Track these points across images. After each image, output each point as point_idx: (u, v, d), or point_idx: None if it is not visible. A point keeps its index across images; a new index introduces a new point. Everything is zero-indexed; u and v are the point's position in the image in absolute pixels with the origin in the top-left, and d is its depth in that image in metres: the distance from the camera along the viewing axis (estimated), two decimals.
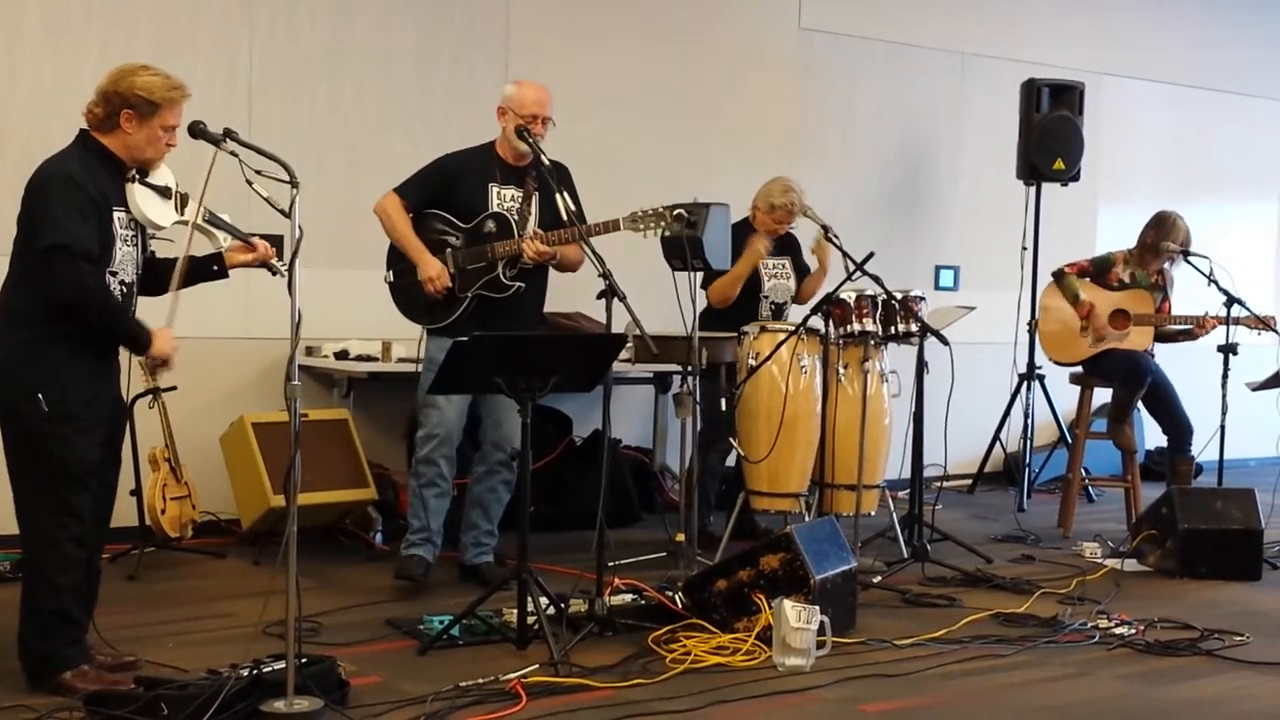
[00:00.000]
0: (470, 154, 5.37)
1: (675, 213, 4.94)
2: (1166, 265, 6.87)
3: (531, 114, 5.18)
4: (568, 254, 5.25)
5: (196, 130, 3.85)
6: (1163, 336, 6.94)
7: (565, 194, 5.02)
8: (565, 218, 5.00)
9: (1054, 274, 7.01)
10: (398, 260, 5.34)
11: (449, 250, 5.27)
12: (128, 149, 3.90)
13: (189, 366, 5.90)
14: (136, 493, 5.53)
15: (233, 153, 3.78)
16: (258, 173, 3.71)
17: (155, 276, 4.09)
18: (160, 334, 3.98)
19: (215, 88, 6.10)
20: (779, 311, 6.35)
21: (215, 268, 4.13)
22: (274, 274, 4.20)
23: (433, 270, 5.21)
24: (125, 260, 3.93)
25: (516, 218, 5.27)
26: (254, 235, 4.20)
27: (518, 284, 5.27)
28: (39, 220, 3.80)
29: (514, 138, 5.20)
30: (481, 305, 5.26)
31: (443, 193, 5.30)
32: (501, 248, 5.21)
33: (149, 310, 4.06)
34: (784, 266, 6.40)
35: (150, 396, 5.53)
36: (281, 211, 3.68)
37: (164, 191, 4.00)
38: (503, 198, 5.29)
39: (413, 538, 5.32)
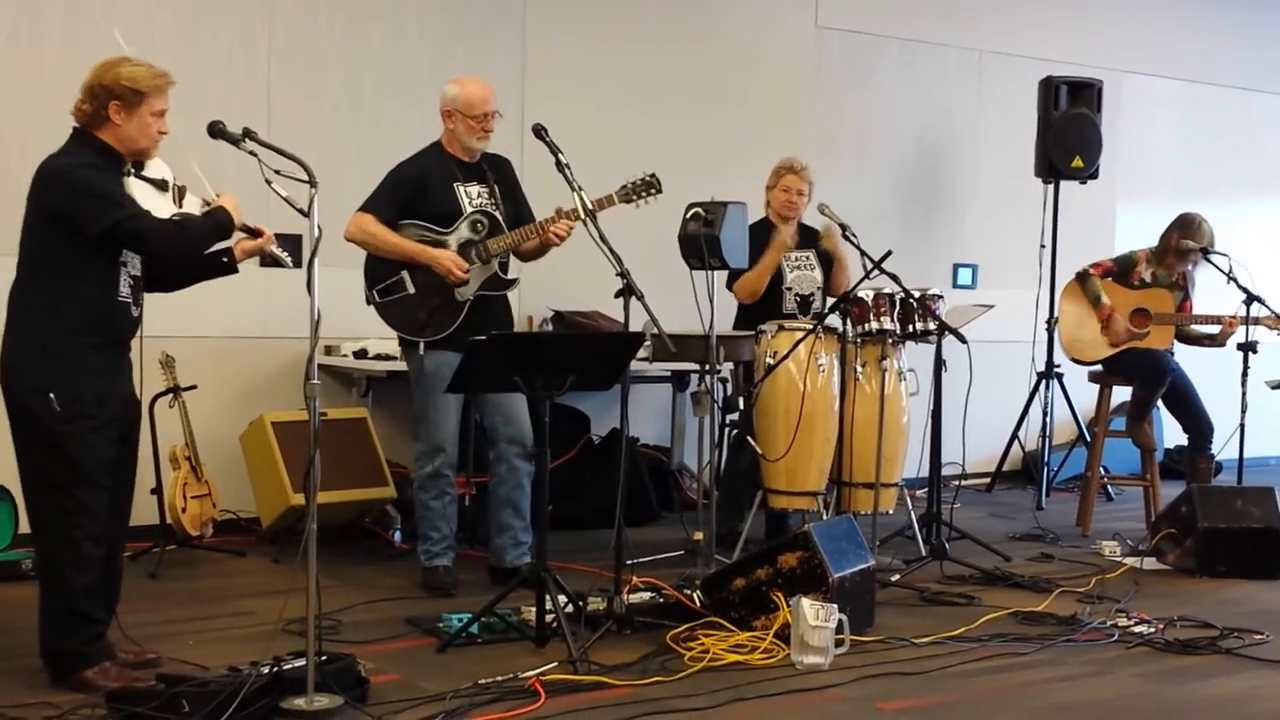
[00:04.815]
0: (426, 157, 5.33)
1: (650, 175, 5.10)
2: (1189, 267, 6.84)
3: (481, 113, 5.21)
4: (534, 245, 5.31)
5: (216, 130, 3.85)
6: (1188, 340, 6.91)
7: (520, 189, 5.26)
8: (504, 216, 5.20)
9: (1078, 275, 6.96)
10: (379, 279, 5.26)
11: (457, 246, 5.23)
12: (121, 141, 3.90)
13: (209, 365, 6.00)
14: (157, 491, 5.55)
15: (252, 152, 3.79)
16: (277, 172, 3.72)
17: (159, 273, 4.10)
18: (224, 198, 4.03)
19: (234, 88, 6.13)
20: (805, 304, 6.25)
21: (225, 259, 4.11)
22: (280, 265, 4.20)
23: (446, 258, 5.17)
24: (132, 253, 3.94)
25: (497, 213, 5.29)
26: (259, 227, 4.18)
27: (514, 276, 5.31)
28: (76, 209, 3.78)
29: (467, 138, 5.22)
30: (473, 310, 5.23)
31: (411, 200, 5.25)
32: (510, 240, 5.21)
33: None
34: (808, 258, 6.30)
35: (170, 395, 5.57)
36: (300, 211, 3.70)
37: (160, 184, 4.00)
38: (470, 195, 5.29)
39: (434, 548, 5.29)
